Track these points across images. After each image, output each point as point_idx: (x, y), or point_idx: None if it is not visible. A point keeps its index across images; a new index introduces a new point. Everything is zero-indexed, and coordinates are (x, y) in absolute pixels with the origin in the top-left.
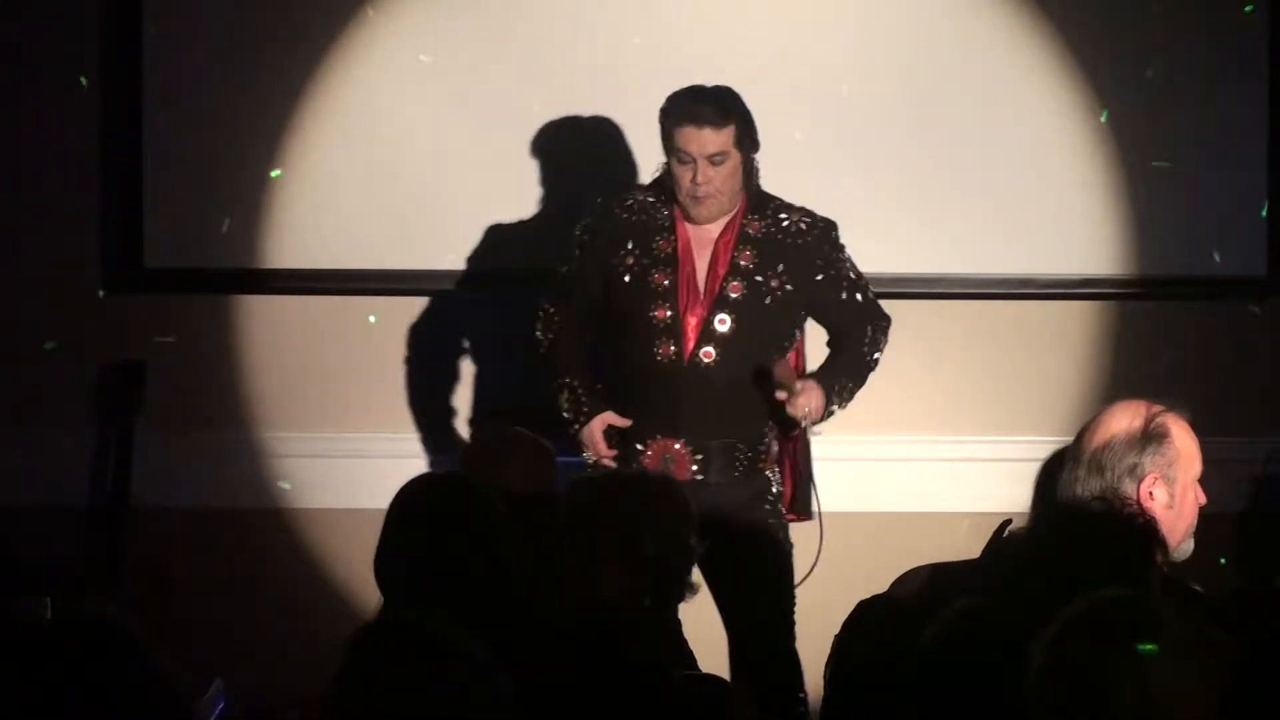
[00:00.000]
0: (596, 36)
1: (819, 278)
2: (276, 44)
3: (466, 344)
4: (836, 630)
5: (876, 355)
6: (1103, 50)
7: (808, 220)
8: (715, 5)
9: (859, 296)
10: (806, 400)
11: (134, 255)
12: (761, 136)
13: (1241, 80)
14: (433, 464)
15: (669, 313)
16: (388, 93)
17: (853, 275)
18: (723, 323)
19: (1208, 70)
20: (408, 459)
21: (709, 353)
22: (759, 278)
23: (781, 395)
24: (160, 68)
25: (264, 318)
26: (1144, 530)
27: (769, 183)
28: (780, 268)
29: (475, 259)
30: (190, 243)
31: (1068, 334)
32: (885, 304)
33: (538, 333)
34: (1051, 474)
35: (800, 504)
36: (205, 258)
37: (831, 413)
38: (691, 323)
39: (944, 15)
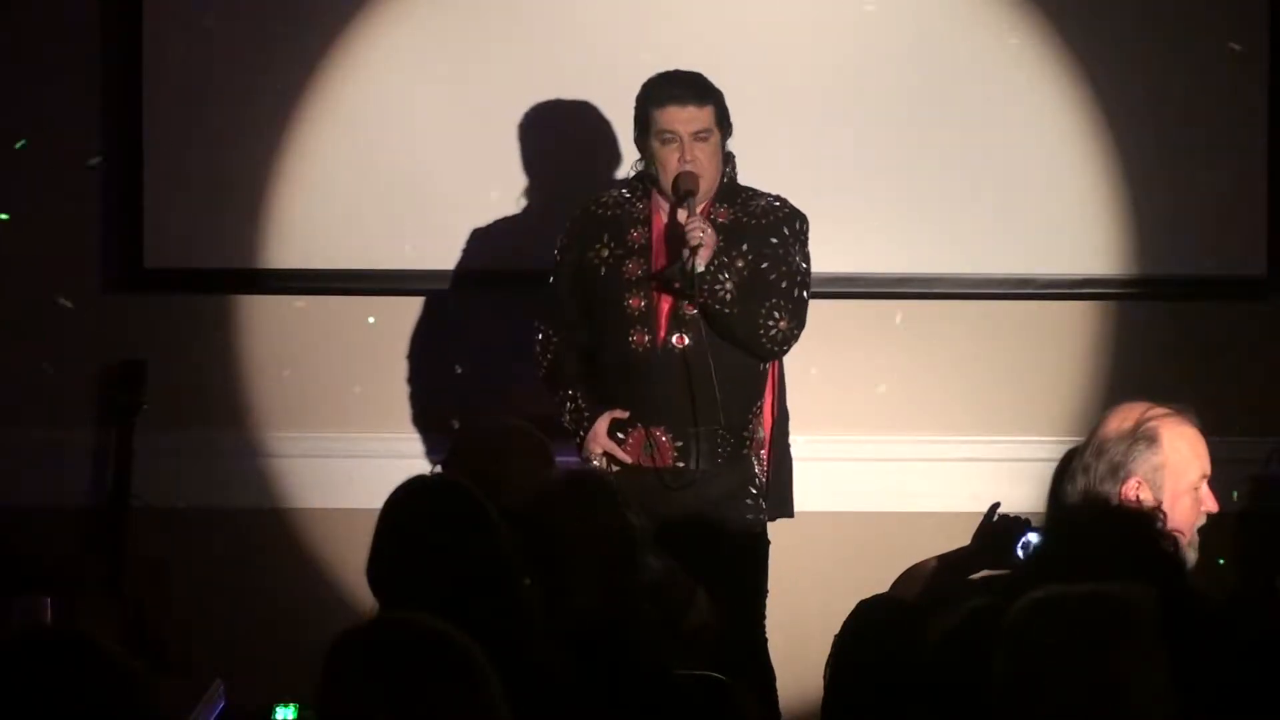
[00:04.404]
0: (597, 37)
1: (770, 245)
2: (276, 44)
3: (466, 344)
4: (836, 630)
5: (767, 326)
6: (1102, 50)
7: (778, 203)
8: (717, 8)
9: (784, 284)
10: (703, 231)
11: (134, 255)
12: (761, 138)
13: (1241, 80)
14: (432, 464)
15: (643, 302)
16: (388, 93)
17: (800, 264)
18: (690, 308)
19: (1207, 70)
20: (407, 459)
21: (681, 338)
22: (724, 259)
23: (683, 212)
24: (160, 67)
25: (264, 318)
26: (1149, 524)
27: (767, 184)
28: (744, 247)
29: (474, 259)
30: (190, 243)
31: (1068, 334)
32: (886, 304)
33: (537, 353)
34: (1063, 474)
35: (778, 502)
36: (205, 258)
37: (704, 284)
38: (664, 310)
39: (944, 16)
